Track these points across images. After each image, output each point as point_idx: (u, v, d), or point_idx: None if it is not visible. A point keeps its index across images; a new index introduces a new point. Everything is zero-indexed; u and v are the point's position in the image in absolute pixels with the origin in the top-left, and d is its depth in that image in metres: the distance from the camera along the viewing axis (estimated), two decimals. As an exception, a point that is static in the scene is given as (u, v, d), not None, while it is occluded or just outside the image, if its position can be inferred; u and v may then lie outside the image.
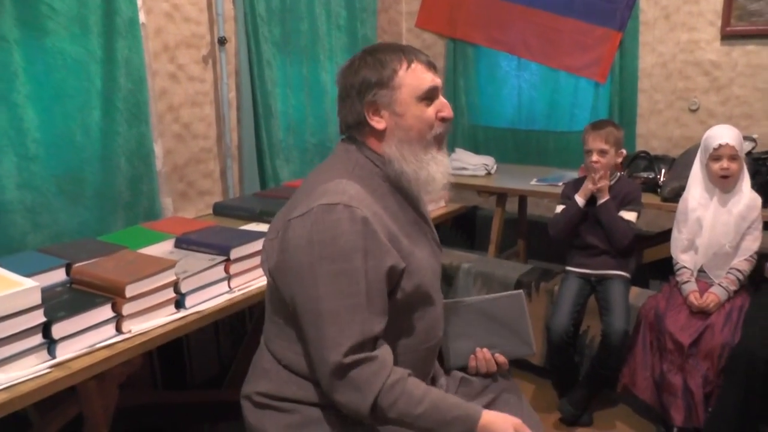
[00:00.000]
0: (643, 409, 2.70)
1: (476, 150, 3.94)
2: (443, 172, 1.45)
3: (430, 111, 1.42)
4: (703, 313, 2.41)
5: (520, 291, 1.77)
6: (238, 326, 2.92)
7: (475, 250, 3.70)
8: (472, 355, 1.70)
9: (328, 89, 3.43)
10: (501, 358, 1.70)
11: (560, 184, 3.34)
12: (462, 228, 4.41)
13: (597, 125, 2.72)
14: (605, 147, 2.64)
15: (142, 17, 2.52)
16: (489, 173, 3.68)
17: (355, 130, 1.45)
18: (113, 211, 2.50)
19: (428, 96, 1.41)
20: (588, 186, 2.67)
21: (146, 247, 2.03)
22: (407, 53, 1.41)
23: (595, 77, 3.83)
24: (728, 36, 3.43)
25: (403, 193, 1.48)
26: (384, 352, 1.33)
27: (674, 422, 2.36)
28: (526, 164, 3.97)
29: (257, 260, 2.03)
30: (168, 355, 2.63)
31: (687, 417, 2.33)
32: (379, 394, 1.28)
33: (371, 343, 1.31)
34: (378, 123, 1.41)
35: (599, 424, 2.68)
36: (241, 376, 1.61)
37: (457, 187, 3.43)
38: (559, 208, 2.83)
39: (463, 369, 1.71)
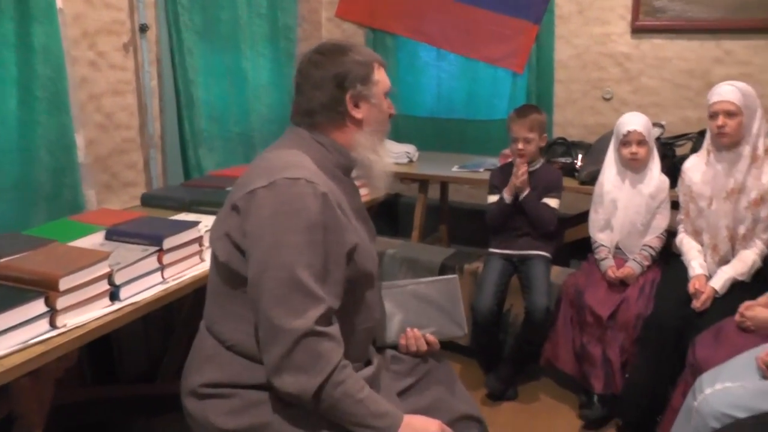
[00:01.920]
0: (565, 381, 2.86)
1: (397, 138, 4.01)
2: (392, 162, 1.64)
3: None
4: (619, 286, 2.58)
5: (455, 276, 1.85)
6: (167, 319, 2.88)
7: (398, 237, 3.77)
8: (402, 334, 1.77)
9: (250, 78, 3.40)
10: (431, 338, 1.77)
11: (481, 170, 3.47)
12: (384, 215, 4.48)
13: (521, 113, 2.82)
14: (530, 135, 2.76)
15: (59, 2, 2.43)
16: (411, 161, 3.77)
17: (322, 116, 1.53)
18: (34, 204, 2.41)
19: (388, 94, 1.60)
20: (512, 182, 2.78)
21: (76, 240, 1.99)
22: (377, 56, 1.61)
23: (513, 68, 3.96)
24: (638, 30, 3.64)
25: (350, 181, 1.60)
26: (338, 331, 1.38)
27: (594, 390, 2.53)
28: (446, 152, 4.07)
29: (191, 249, 2.03)
30: (96, 350, 2.57)
31: (606, 384, 2.50)
32: (333, 371, 1.32)
33: (331, 318, 1.37)
34: (358, 113, 1.53)
35: (524, 398, 2.82)
36: (175, 367, 1.62)
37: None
38: (490, 198, 2.94)
39: (394, 347, 1.78)
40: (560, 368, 2.70)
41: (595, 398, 2.55)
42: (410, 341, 1.75)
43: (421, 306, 1.80)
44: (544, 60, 3.91)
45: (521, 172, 2.75)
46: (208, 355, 1.50)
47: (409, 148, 3.78)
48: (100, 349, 2.61)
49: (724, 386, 1.81)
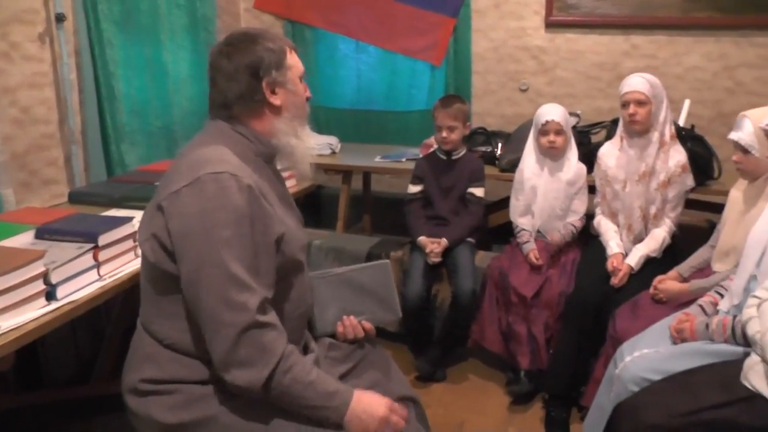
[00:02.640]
0: (492, 361, 2.99)
1: (318, 130, 4.03)
2: (314, 146, 1.66)
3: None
4: (541, 268, 2.72)
5: (387, 261, 1.91)
6: (94, 320, 2.80)
7: (322, 228, 3.81)
8: (339, 322, 1.82)
9: (171, 70, 3.34)
10: (367, 325, 1.83)
11: (403, 160, 3.55)
12: (308, 207, 4.49)
13: (446, 102, 2.93)
14: (454, 123, 2.87)
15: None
16: (334, 152, 3.80)
17: (239, 107, 1.53)
18: (-55, 204, 2.30)
19: (303, 77, 1.60)
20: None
21: (3, 241, 1.91)
22: (286, 40, 1.60)
23: (431, 60, 4.06)
24: (551, 25, 3.81)
25: (272, 168, 1.62)
26: (277, 319, 1.42)
27: (521, 366, 2.67)
28: (368, 143, 4.12)
29: (126, 245, 1.99)
30: (21, 354, 2.47)
31: (532, 360, 2.64)
32: (281, 359, 1.36)
33: (267, 308, 1.40)
34: (275, 99, 1.54)
35: (453, 378, 2.93)
36: (109, 367, 1.60)
37: (303, 166, 3.52)
38: (411, 188, 3.04)
39: (332, 336, 1.82)
40: (487, 348, 2.81)
41: (522, 374, 2.68)
42: (348, 329, 1.80)
43: (355, 293, 1.84)
44: (461, 53, 4.03)
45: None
46: (147, 353, 1.50)
47: (332, 140, 3.81)
48: (25, 355, 2.51)
49: (641, 353, 1.97)
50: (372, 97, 4.26)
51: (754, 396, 1.58)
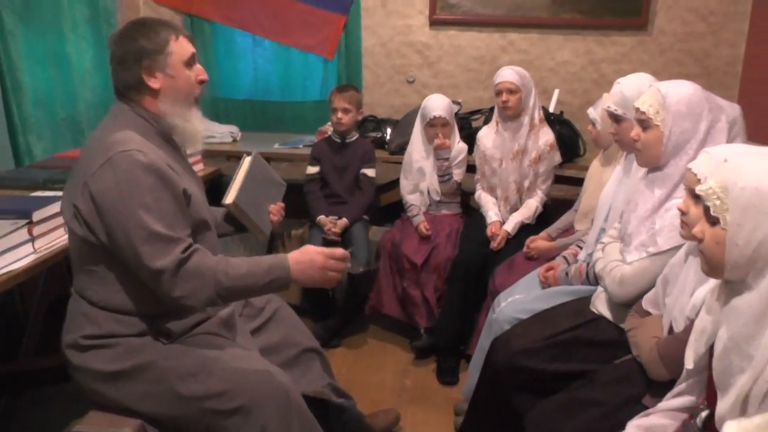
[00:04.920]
0: (389, 326, 3.25)
1: (219, 120, 4.14)
2: (203, 125, 1.80)
3: (192, 75, 1.73)
4: (429, 237, 3.00)
5: (253, 151, 2.22)
6: (8, 303, 2.79)
7: (223, 213, 3.93)
8: (271, 215, 2.15)
9: (74, 62, 3.35)
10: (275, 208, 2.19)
11: (300, 146, 3.73)
12: (209, 192, 4.55)
13: (341, 89, 3.19)
14: (348, 106, 3.11)
15: None
16: (235, 140, 3.93)
17: (133, 91, 1.68)
18: None
19: (191, 62, 1.73)
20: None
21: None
22: (176, 28, 1.71)
23: (324, 54, 4.27)
24: (435, 22, 4.11)
25: (173, 145, 1.77)
26: (198, 245, 1.60)
27: (420, 325, 2.94)
28: (266, 131, 4.27)
29: (59, 221, 2.05)
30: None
31: (428, 319, 2.92)
32: (216, 270, 1.55)
33: (190, 245, 1.58)
34: (154, 83, 1.66)
35: (354, 343, 3.16)
36: (35, 345, 1.70)
37: (207, 153, 3.63)
38: (310, 169, 3.25)
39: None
40: (386, 313, 3.07)
41: (423, 331, 2.96)
42: (278, 215, 2.18)
43: (260, 187, 2.16)
44: (352, 47, 4.26)
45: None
46: (84, 312, 1.64)
47: (233, 129, 3.95)
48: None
49: (514, 298, 2.27)
50: (269, 88, 4.42)
51: (599, 318, 1.90)
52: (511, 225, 2.89)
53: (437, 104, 3.08)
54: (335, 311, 3.20)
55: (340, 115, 3.12)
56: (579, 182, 3.45)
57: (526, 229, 2.89)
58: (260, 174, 2.19)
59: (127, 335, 1.62)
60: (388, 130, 3.71)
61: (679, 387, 1.40)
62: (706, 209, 1.17)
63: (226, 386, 1.59)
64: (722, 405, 1.16)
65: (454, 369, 2.83)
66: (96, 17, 3.53)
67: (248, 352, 1.75)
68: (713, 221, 1.16)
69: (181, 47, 1.69)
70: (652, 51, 3.91)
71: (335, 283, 1.74)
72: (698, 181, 1.34)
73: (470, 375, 2.38)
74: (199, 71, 1.74)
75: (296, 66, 4.37)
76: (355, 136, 3.25)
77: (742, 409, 1.13)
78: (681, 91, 1.73)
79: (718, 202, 1.15)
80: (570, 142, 3.30)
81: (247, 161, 2.17)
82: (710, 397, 1.27)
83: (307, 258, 1.64)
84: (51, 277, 2.53)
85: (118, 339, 1.62)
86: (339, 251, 1.68)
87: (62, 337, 1.68)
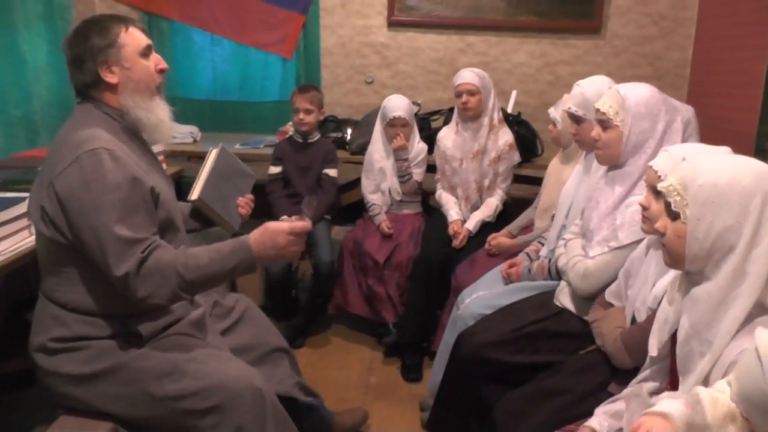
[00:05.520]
0: (353, 325, 3.28)
1: (178, 120, 4.09)
2: (168, 115, 1.77)
3: (150, 65, 1.71)
4: (391, 236, 3.04)
5: (219, 144, 2.23)
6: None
7: (184, 214, 3.89)
8: (240, 208, 2.15)
9: (29, 59, 3.28)
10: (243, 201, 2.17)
11: (261, 146, 3.74)
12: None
13: (303, 89, 3.19)
14: (310, 107, 3.12)
15: None
16: (195, 140, 3.91)
17: (93, 89, 1.67)
18: None
19: (146, 52, 1.70)
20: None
21: None
22: (125, 20, 1.69)
23: (282, 53, 4.27)
24: (393, 24, 4.16)
25: (140, 140, 1.76)
26: (153, 238, 1.58)
27: (387, 320, 2.98)
28: (226, 132, 4.25)
29: (20, 224, 2.00)
30: None
31: (395, 315, 2.96)
32: (175, 264, 1.54)
33: (151, 243, 1.57)
34: (112, 78, 1.65)
35: (318, 343, 3.17)
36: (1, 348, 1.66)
37: (169, 154, 3.59)
38: (272, 169, 3.24)
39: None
40: (351, 312, 3.09)
41: (391, 326, 2.99)
42: (248, 208, 2.19)
43: (226, 181, 2.15)
44: (311, 47, 4.27)
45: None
46: (53, 314, 1.62)
47: (192, 129, 3.92)
48: None
49: (478, 294, 2.32)
50: (227, 88, 4.39)
51: (563, 311, 1.97)
52: (472, 223, 2.95)
53: (397, 105, 3.12)
54: (298, 311, 3.20)
55: (302, 115, 3.13)
56: (537, 181, 3.55)
57: (487, 227, 2.95)
58: (227, 167, 2.17)
59: (97, 338, 1.61)
60: (349, 131, 3.74)
61: (644, 374, 1.47)
62: (668, 205, 1.24)
63: (200, 385, 1.59)
64: (684, 388, 1.23)
65: (418, 366, 2.87)
66: (51, 13, 3.46)
67: (221, 351, 1.75)
68: (674, 216, 1.23)
69: (132, 38, 1.67)
70: (606, 53, 4.03)
71: (297, 257, 1.76)
72: (659, 178, 1.43)
73: (435, 371, 2.42)
74: (157, 60, 1.73)
75: (255, 65, 4.36)
76: (317, 136, 3.26)
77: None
78: (639, 93, 1.81)
79: (678, 198, 1.21)
80: (528, 142, 3.39)
81: (213, 154, 2.15)
82: (673, 382, 1.34)
83: (268, 236, 1.62)
84: (13, 281, 2.47)
85: (87, 341, 1.60)
86: (298, 225, 1.65)
87: (29, 340, 1.66)
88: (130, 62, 1.65)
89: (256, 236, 1.62)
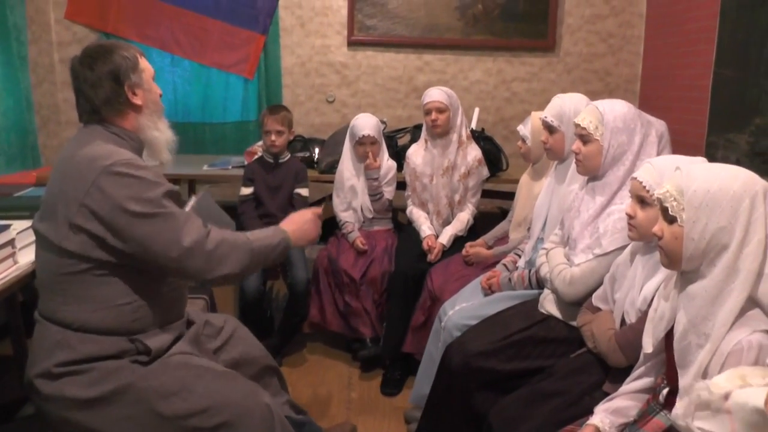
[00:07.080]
0: (330, 342, 3.30)
1: (137, 143, 4.07)
2: (172, 135, 1.91)
3: (157, 89, 1.83)
4: (365, 252, 3.09)
5: (202, 190, 2.19)
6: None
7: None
8: None
9: None
10: None
11: (230, 167, 3.73)
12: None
13: (273, 110, 3.21)
14: (281, 128, 3.15)
15: None
16: (161, 163, 3.86)
17: (110, 110, 1.70)
18: None
19: (154, 77, 1.82)
20: None
21: None
22: (137, 48, 1.79)
23: (244, 74, 4.30)
24: (352, 43, 4.25)
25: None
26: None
27: (365, 335, 3.01)
28: (187, 154, 4.21)
29: (4, 252, 1.94)
30: None
31: (372, 329, 2.99)
32: (237, 235, 1.71)
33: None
34: (136, 99, 1.73)
35: (296, 362, 3.17)
36: None
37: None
38: (243, 190, 3.25)
39: None
40: (328, 329, 3.11)
41: (368, 341, 3.03)
42: None
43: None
44: (271, 67, 4.32)
45: None
46: (56, 340, 1.59)
47: (155, 151, 3.88)
48: None
49: (460, 307, 2.39)
50: (188, 109, 4.39)
51: (548, 317, 2.05)
52: (445, 238, 3.03)
53: (366, 123, 3.18)
54: (273, 330, 3.20)
55: (273, 137, 3.16)
56: (503, 195, 3.68)
57: (460, 241, 3.03)
58: (207, 212, 2.12)
59: (105, 357, 1.59)
60: (316, 150, 3.77)
61: (638, 371, 1.56)
62: (665, 210, 1.34)
63: (208, 403, 1.60)
64: (684, 380, 1.32)
65: (399, 380, 2.91)
66: (6, 34, 3.40)
67: (225, 369, 1.76)
68: (671, 220, 1.33)
69: (146, 64, 1.78)
70: (560, 70, 4.21)
71: (317, 240, 2.01)
72: (644, 189, 1.54)
73: (419, 383, 2.47)
74: (157, 87, 1.83)
75: (216, 86, 4.38)
76: (287, 156, 3.29)
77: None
78: (617, 108, 1.92)
79: (675, 203, 1.31)
80: (493, 157, 3.49)
81: (192, 200, 2.16)
82: (670, 376, 1.43)
83: (296, 217, 1.95)
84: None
85: (93, 363, 1.58)
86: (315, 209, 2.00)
87: (28, 370, 1.62)
88: (148, 85, 1.77)
89: (284, 222, 1.90)
